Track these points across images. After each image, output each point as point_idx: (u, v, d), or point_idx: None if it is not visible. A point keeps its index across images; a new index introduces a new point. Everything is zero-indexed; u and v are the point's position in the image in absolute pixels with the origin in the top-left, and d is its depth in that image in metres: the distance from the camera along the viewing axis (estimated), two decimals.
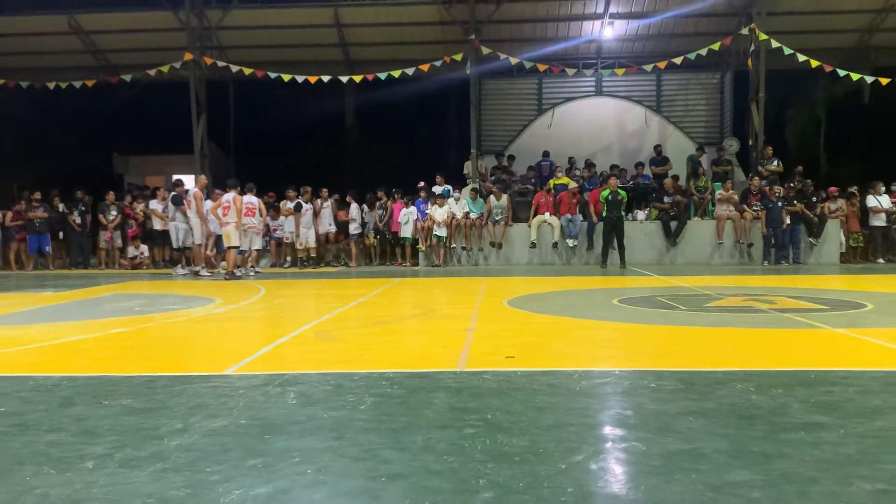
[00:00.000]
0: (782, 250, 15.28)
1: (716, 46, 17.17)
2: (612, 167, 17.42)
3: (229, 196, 12.91)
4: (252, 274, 13.49)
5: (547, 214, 15.81)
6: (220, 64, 18.03)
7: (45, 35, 19.00)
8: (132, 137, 24.34)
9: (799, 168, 16.99)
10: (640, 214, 16.26)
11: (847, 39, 19.20)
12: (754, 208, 15.49)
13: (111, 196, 16.80)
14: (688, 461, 2.56)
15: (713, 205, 16.20)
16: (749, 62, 17.18)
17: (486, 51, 17.26)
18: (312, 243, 16.01)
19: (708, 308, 7.49)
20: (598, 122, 20.22)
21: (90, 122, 22.90)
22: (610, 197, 14.67)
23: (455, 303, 8.75)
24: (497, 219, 16.00)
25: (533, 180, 17.72)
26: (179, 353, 5.28)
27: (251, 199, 13.25)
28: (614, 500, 2.22)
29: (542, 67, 17.85)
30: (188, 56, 17.43)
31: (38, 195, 16.40)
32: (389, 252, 17.13)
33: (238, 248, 12.90)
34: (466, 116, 18.13)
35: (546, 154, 18.62)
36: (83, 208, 16.84)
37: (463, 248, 16.05)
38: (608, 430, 3.03)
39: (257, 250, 14.01)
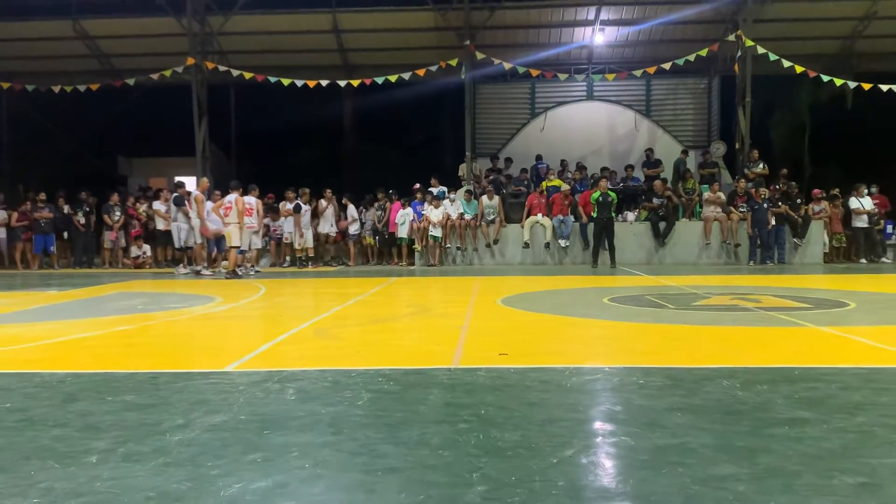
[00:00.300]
0: (768, 250, 15.31)
1: (703, 52, 17.21)
2: (603, 170, 17.44)
3: (231, 197, 12.89)
4: (252, 273, 13.48)
5: (539, 215, 15.83)
6: (222, 68, 17.99)
7: (52, 40, 18.97)
8: (136, 140, 24.28)
9: (784, 171, 17.04)
10: (630, 215, 16.29)
11: (830, 46, 19.27)
12: (741, 210, 15.53)
13: (115, 197, 16.76)
14: (675, 455, 2.56)
15: (701, 206, 16.24)
16: (735, 68, 17.23)
17: (480, 56, 17.28)
18: (310, 243, 16.00)
19: (695, 307, 7.50)
20: (589, 125, 20.25)
21: (95, 124, 22.83)
22: (600, 198, 14.69)
23: (450, 301, 8.74)
24: (490, 218, 16.02)
25: (525, 182, 17.74)
26: (181, 351, 5.27)
27: (249, 200, 13.25)
28: (604, 494, 2.22)
29: (534, 72, 17.87)
30: (190, 61, 17.40)
31: (43, 196, 16.35)
32: (386, 252, 17.14)
33: (239, 247, 12.89)
34: (461, 120, 18.13)
35: (539, 157, 18.64)
36: (87, 209, 16.79)
37: (458, 249, 16.07)
38: (598, 425, 3.03)
39: (257, 249, 14.00)
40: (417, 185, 16.92)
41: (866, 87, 16.83)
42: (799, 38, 18.60)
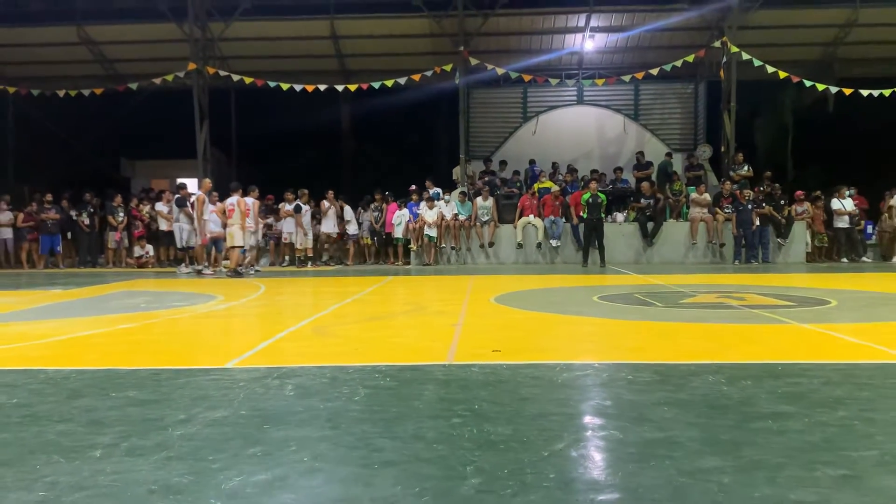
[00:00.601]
0: (752, 250, 15.36)
1: (690, 58, 17.28)
2: (593, 172, 17.49)
3: (233, 200, 12.88)
4: (252, 272, 13.45)
5: (531, 216, 15.85)
6: (222, 73, 17.96)
7: (57, 46, 18.92)
8: (138, 143, 24.19)
9: (768, 173, 17.12)
10: (619, 216, 16.32)
11: (813, 52, 19.34)
12: (726, 211, 15.57)
13: (118, 199, 16.72)
14: (663, 448, 2.56)
15: (687, 207, 16.28)
16: (721, 73, 17.29)
17: (474, 62, 17.30)
18: (309, 243, 16.00)
19: (682, 304, 7.51)
20: (579, 129, 20.28)
21: (98, 128, 22.74)
22: (590, 200, 14.71)
23: (444, 300, 8.73)
24: (484, 220, 16.03)
25: (518, 184, 17.76)
26: (183, 348, 5.25)
27: (248, 201, 13.26)
28: (594, 486, 2.23)
29: (526, 78, 17.91)
30: (192, 66, 17.36)
31: (49, 197, 16.30)
32: (383, 252, 17.13)
33: (241, 247, 12.88)
34: (455, 124, 18.14)
35: (532, 161, 18.67)
36: (91, 210, 16.75)
37: (452, 248, 16.07)
38: (588, 419, 3.03)
39: (252, 247, 13.98)
40: (413, 187, 16.93)
41: (847, 91, 16.89)
42: (782, 45, 18.67)
